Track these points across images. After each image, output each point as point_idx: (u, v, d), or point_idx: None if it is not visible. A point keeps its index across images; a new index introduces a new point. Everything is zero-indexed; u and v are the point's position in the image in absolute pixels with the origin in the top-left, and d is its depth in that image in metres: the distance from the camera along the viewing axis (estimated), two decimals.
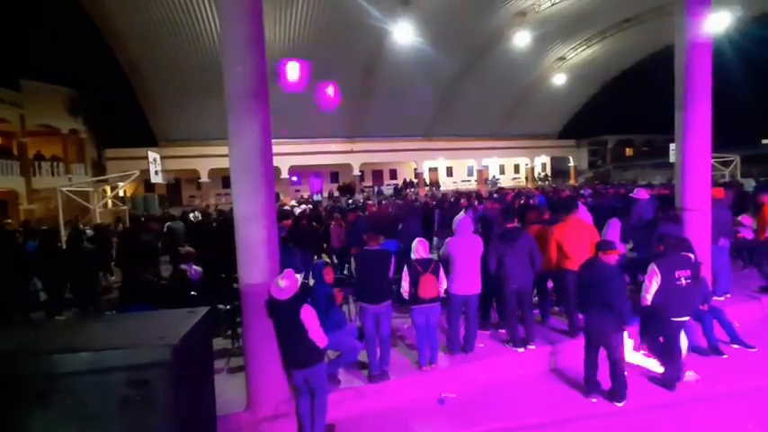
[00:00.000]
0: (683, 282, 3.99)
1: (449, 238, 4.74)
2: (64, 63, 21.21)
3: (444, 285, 4.31)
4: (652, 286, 4.03)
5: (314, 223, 9.15)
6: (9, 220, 12.38)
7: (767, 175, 20.23)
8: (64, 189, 12.10)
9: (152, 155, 13.88)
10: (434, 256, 4.62)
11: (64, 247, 8.17)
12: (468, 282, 4.47)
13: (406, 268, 4.24)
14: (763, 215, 6.05)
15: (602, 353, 3.97)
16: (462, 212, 6.88)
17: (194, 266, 5.40)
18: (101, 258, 7.32)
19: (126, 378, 2.14)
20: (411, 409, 3.98)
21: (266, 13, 3.94)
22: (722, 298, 5.71)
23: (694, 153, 5.38)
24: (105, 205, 13.85)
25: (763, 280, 6.11)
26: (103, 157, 24.38)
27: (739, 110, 27.37)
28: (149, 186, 23.81)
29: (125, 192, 21.98)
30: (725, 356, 4.64)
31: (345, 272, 7.36)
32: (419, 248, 4.32)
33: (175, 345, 2.23)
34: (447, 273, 4.44)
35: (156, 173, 13.88)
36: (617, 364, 3.86)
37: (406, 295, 4.26)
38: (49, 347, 2.27)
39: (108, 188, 17.09)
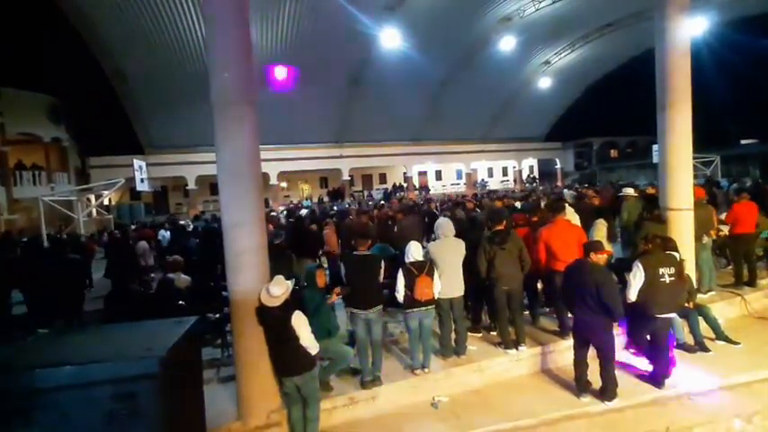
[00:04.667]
0: (667, 279, 4.07)
1: (431, 242, 4.73)
2: (45, 70, 20.84)
3: (439, 287, 4.29)
4: (636, 283, 4.10)
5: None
6: None
7: (746, 174, 20.83)
8: (46, 198, 11.85)
9: (137, 162, 13.72)
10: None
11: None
12: (452, 284, 4.47)
13: (400, 272, 4.23)
14: (732, 213, 6.23)
15: (592, 352, 4.02)
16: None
17: (182, 275, 5.31)
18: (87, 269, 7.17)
19: (112, 392, 2.10)
20: (404, 414, 3.97)
21: (252, 19, 3.93)
22: (707, 295, 5.83)
23: (676, 154, 5.51)
24: (90, 214, 13.59)
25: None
26: (87, 166, 23.92)
27: (719, 111, 28.15)
28: (135, 194, 23.47)
29: (110, 200, 21.59)
30: (711, 353, 4.73)
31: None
32: (413, 251, 4.31)
33: (163, 356, 2.19)
34: None
35: (142, 181, 13.71)
36: (607, 363, 3.91)
37: (401, 299, 4.24)
38: (30, 362, 2.21)
39: (92, 197, 16.79)
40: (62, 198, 13.32)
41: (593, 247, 4.02)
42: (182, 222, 13.82)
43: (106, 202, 18.08)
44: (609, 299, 3.71)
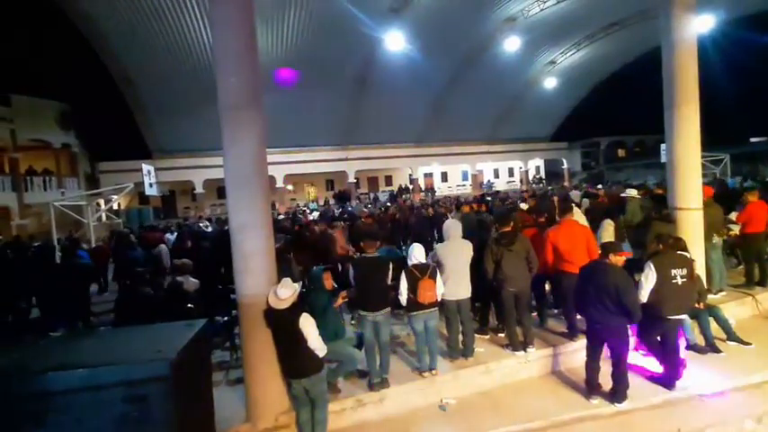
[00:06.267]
0: (679, 280, 4.02)
1: (438, 244, 4.72)
2: (55, 77, 21.19)
3: (442, 290, 4.29)
4: (648, 284, 4.06)
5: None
6: (0, 236, 12.25)
7: (756, 172, 20.51)
8: (56, 204, 12.02)
9: (146, 167, 13.82)
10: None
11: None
12: (459, 286, 4.46)
13: (403, 275, 4.23)
14: (746, 212, 6.13)
15: (603, 354, 3.98)
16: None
17: (191, 278, 5.35)
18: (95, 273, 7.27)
19: (122, 394, 2.12)
20: (412, 416, 3.96)
21: (258, 24, 3.97)
22: (717, 295, 5.76)
23: (684, 152, 5.45)
24: (99, 219, 13.76)
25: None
26: (97, 171, 24.25)
27: (728, 109, 27.83)
28: (144, 199, 23.74)
29: (119, 205, 21.84)
30: (722, 354, 4.67)
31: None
32: (416, 254, 4.31)
33: (173, 359, 2.21)
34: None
35: (151, 185, 13.81)
36: (620, 364, 3.86)
37: (404, 302, 4.23)
38: (42, 365, 2.24)
39: (102, 201, 17.01)
40: (72, 203, 13.49)
41: (612, 248, 3.96)
42: (200, 225, 13.92)
43: (115, 206, 18.29)
44: (628, 301, 3.67)
